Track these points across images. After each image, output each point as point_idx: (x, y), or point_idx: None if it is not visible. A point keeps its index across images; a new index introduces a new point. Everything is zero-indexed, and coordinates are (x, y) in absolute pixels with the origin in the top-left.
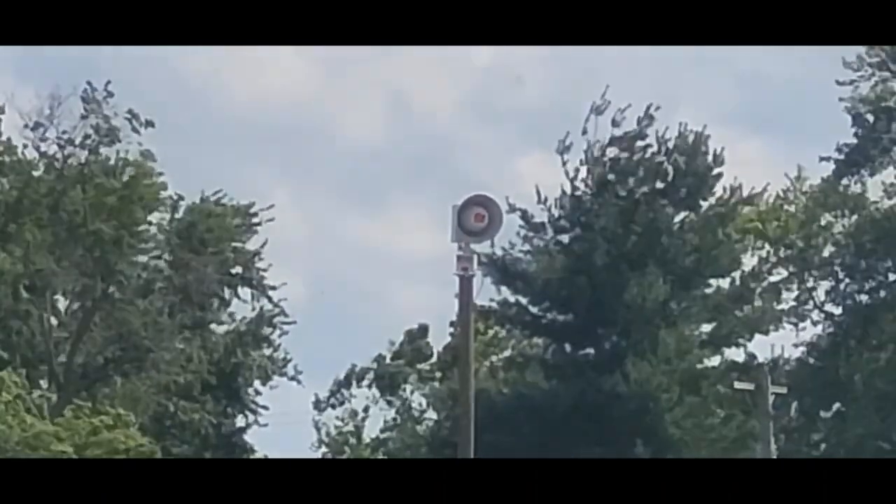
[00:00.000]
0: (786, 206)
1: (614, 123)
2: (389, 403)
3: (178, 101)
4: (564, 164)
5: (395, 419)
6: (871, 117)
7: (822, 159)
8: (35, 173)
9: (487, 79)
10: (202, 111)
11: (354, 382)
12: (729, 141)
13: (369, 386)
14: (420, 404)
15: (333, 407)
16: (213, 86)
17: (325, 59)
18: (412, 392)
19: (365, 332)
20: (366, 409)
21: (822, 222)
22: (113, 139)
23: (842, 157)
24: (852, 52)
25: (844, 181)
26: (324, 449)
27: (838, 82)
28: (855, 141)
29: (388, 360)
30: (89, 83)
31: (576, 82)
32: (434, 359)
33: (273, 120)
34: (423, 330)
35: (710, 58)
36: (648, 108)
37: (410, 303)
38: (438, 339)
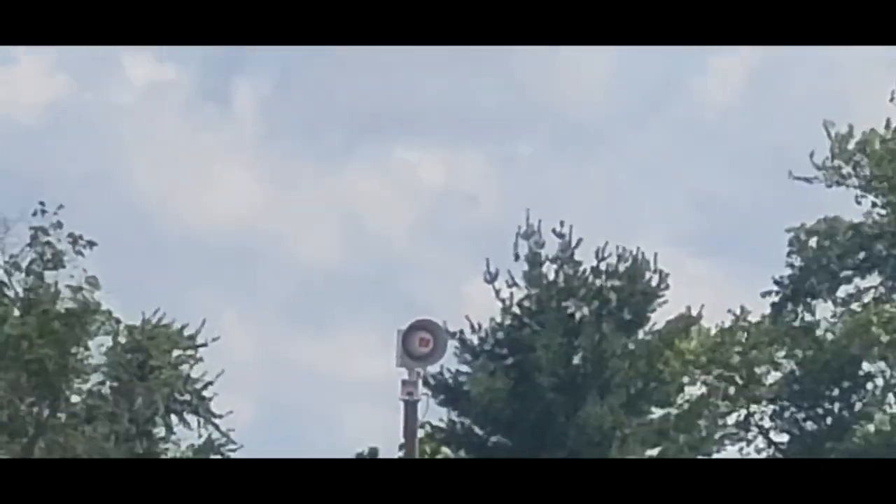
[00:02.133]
0: (727, 337)
1: (538, 245)
2: None
3: (126, 223)
4: (497, 292)
5: None
6: (814, 249)
7: (763, 294)
8: None
9: (440, 199)
10: (150, 233)
11: None
12: (678, 262)
13: None
14: None
15: None
16: (161, 207)
17: (276, 179)
18: None
19: (314, 455)
20: None
21: (765, 355)
22: (57, 264)
23: (784, 290)
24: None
25: (787, 313)
26: None
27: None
28: (797, 273)
29: None
30: (42, 203)
31: (529, 203)
32: None
33: (222, 241)
34: (373, 453)
35: (663, 177)
36: (560, 226)
37: (359, 427)
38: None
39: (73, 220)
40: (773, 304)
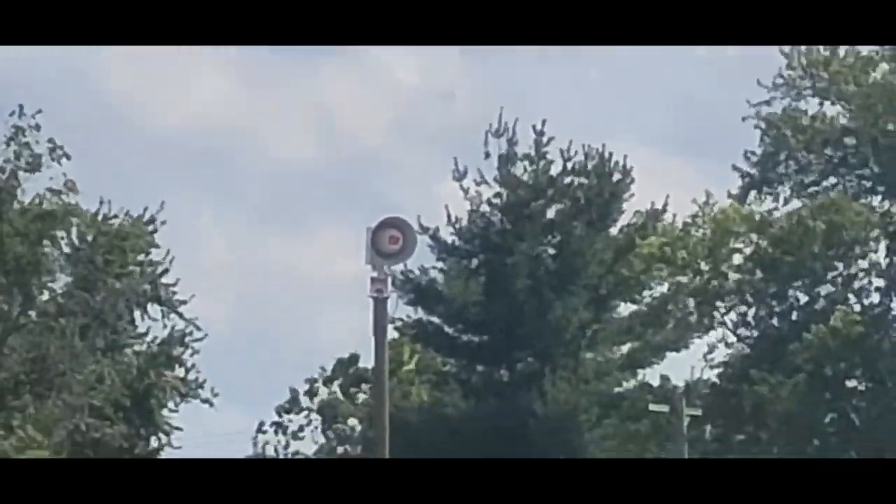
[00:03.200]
0: (693, 231)
1: (511, 144)
2: (325, 432)
3: (101, 120)
4: (465, 191)
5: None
6: (780, 136)
7: (734, 168)
8: None
9: (415, 97)
10: (125, 131)
11: (290, 409)
12: (651, 161)
13: (300, 411)
14: (354, 428)
15: (274, 431)
16: (137, 105)
17: (251, 79)
18: (344, 420)
19: (287, 354)
20: (300, 429)
21: (730, 246)
22: (34, 168)
23: (752, 172)
24: (771, 68)
25: (751, 199)
26: None
27: (750, 103)
28: (761, 158)
29: (319, 386)
30: (21, 106)
31: (505, 102)
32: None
33: (198, 140)
34: (354, 359)
35: (637, 78)
36: (541, 125)
37: (332, 325)
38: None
39: (49, 120)
40: (741, 187)
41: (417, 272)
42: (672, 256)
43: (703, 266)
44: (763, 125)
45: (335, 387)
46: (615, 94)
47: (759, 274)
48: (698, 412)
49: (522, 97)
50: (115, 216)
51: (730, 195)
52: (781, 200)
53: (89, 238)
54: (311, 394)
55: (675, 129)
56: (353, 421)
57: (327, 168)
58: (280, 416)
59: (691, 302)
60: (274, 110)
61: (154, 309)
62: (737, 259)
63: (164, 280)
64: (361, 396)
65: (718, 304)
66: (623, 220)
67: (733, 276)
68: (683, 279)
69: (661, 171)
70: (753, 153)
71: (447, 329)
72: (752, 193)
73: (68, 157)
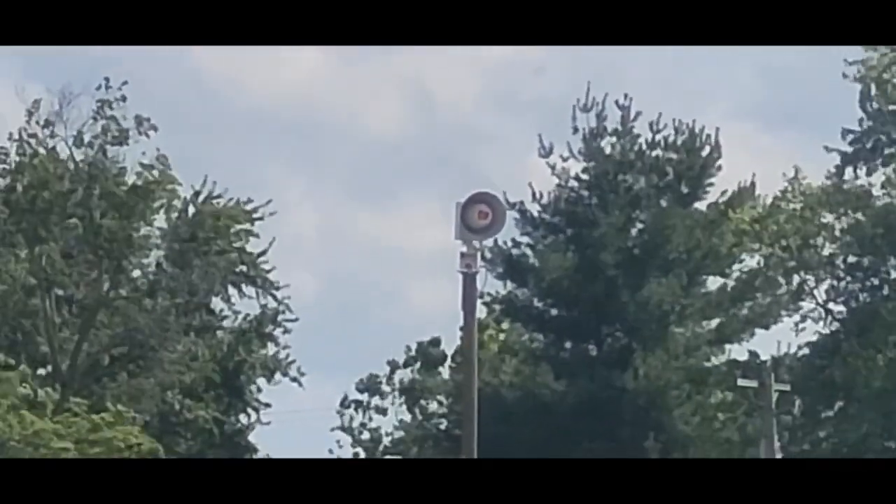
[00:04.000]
0: (783, 205)
1: (600, 118)
2: (409, 409)
3: (192, 96)
4: (552, 167)
5: (402, 422)
6: (877, 113)
7: (828, 150)
8: (44, 172)
9: (507, 71)
10: (216, 106)
11: (372, 390)
12: (744, 136)
13: (383, 396)
14: (439, 404)
15: (355, 409)
16: (228, 80)
17: (341, 53)
18: (428, 401)
19: (376, 329)
20: (384, 411)
21: (823, 220)
22: (122, 141)
23: (849, 147)
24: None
25: (849, 173)
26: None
27: (847, 61)
28: (859, 136)
29: (401, 367)
30: (106, 79)
31: (596, 76)
32: (448, 361)
33: (288, 113)
34: (435, 343)
35: (730, 51)
36: (624, 99)
37: (420, 299)
38: (449, 335)
39: (139, 95)
40: (837, 166)
41: (509, 243)
42: (761, 231)
43: (792, 242)
44: (859, 88)
45: (417, 366)
46: (706, 66)
47: (855, 248)
48: (787, 387)
49: (613, 71)
50: (219, 196)
51: (828, 175)
52: (874, 175)
53: (186, 215)
54: (392, 375)
55: (766, 102)
56: (439, 397)
57: (416, 140)
58: (361, 393)
59: (781, 276)
60: (363, 82)
61: (249, 290)
62: (834, 228)
63: (261, 265)
64: (445, 374)
65: (809, 278)
66: (712, 196)
67: (827, 248)
68: (771, 254)
69: (752, 145)
70: (851, 131)
71: (537, 303)
72: (848, 170)
73: (155, 129)
